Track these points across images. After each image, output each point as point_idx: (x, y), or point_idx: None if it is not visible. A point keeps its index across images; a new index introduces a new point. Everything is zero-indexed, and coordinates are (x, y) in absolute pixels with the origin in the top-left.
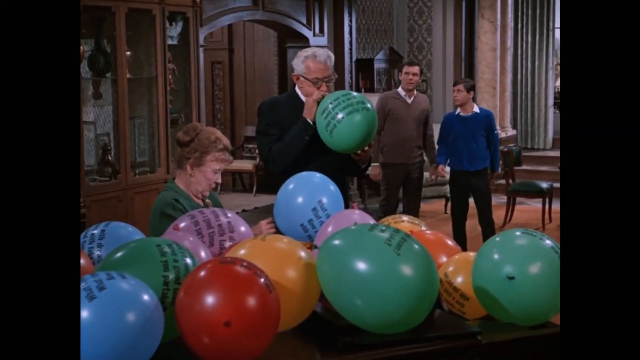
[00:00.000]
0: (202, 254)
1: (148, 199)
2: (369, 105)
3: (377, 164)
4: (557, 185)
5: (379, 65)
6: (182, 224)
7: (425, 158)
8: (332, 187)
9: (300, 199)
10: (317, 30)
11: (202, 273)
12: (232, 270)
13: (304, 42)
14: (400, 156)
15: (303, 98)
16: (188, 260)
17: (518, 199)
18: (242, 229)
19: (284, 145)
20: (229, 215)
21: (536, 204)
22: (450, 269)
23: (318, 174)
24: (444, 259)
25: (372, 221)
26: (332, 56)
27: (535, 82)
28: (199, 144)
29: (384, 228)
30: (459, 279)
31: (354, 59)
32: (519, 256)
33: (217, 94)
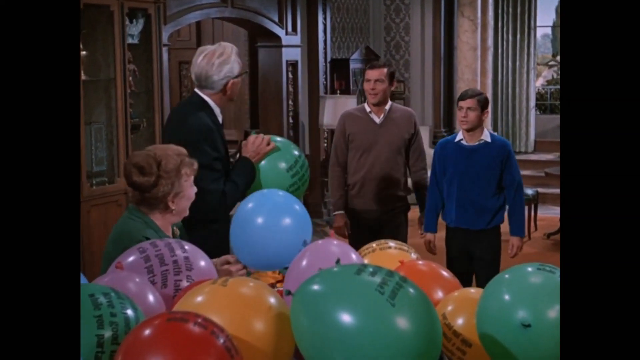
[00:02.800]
0: (151, 299)
1: (106, 212)
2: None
3: (341, 211)
4: (542, 190)
5: (354, 65)
6: (129, 260)
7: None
8: (297, 206)
9: (260, 220)
10: (289, 29)
11: (146, 333)
12: (183, 330)
13: (275, 41)
14: (367, 201)
15: (216, 109)
16: (130, 313)
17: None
18: (202, 264)
19: (237, 189)
20: (187, 248)
21: None
22: (449, 308)
23: (280, 192)
24: (440, 294)
25: (353, 255)
26: None
27: (517, 82)
28: (168, 174)
29: (373, 270)
30: (460, 321)
31: (328, 59)
32: (535, 298)
33: (185, 95)
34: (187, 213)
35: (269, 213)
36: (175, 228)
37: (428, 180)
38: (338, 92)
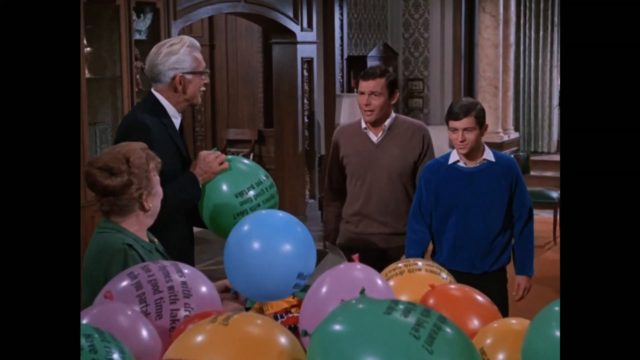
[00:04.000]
0: (145, 334)
1: None
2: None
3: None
4: None
5: (372, 62)
6: (119, 287)
7: None
8: (300, 228)
9: (256, 245)
10: (304, 25)
11: None
12: None
13: (290, 37)
14: (362, 238)
15: (168, 107)
16: (115, 358)
17: None
18: (203, 290)
19: (178, 201)
20: (185, 271)
21: (545, 215)
22: (489, 341)
23: (280, 213)
24: (476, 323)
25: (379, 281)
26: None
27: (539, 81)
28: (139, 170)
29: (406, 308)
30: (501, 357)
31: (345, 56)
32: None
33: None
34: (157, 213)
35: (266, 237)
36: (151, 236)
37: None
38: (355, 90)
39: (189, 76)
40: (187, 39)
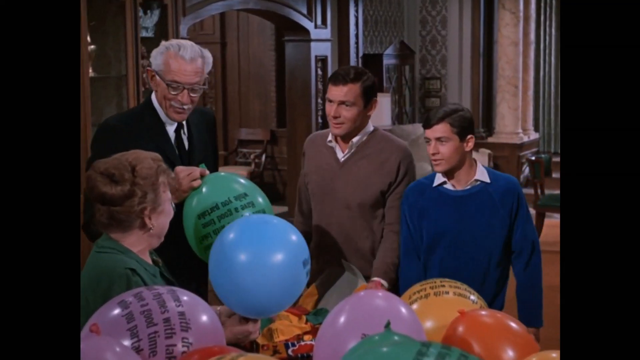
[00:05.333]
0: None
1: None
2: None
3: None
4: None
5: (388, 61)
6: (109, 317)
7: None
8: (294, 236)
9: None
10: (319, 22)
11: None
12: None
13: (304, 34)
14: (322, 269)
15: (160, 111)
16: None
17: (547, 212)
18: (203, 320)
19: None
20: (183, 299)
21: None
22: None
23: (275, 219)
24: (511, 354)
25: (404, 309)
26: (208, 57)
27: (560, 80)
28: (144, 181)
29: (440, 353)
30: None
31: (360, 54)
32: None
33: (208, 92)
34: (164, 234)
35: (254, 246)
36: (154, 256)
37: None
38: None
39: (157, 77)
40: (179, 44)
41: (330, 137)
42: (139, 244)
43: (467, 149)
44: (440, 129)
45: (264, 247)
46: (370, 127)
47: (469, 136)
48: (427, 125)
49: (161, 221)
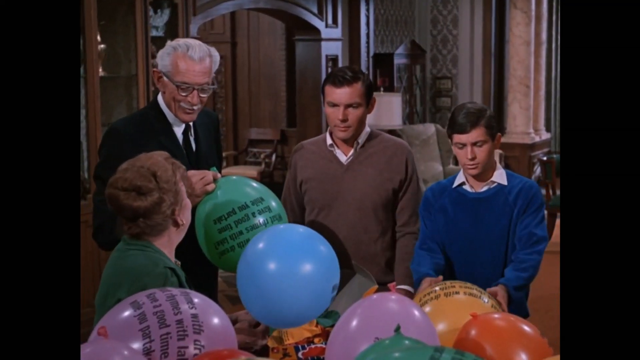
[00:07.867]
0: None
1: None
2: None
3: None
4: None
5: (399, 60)
6: (119, 319)
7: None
8: (323, 247)
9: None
10: (329, 21)
11: None
12: None
13: (314, 34)
14: None
15: (167, 113)
16: None
17: (559, 213)
18: (215, 322)
19: (95, 225)
20: (196, 301)
21: None
22: None
23: (301, 228)
24: (524, 358)
25: (417, 312)
26: (216, 56)
27: (560, 80)
28: (169, 184)
29: (451, 356)
30: None
31: (371, 53)
32: None
33: (218, 92)
34: (187, 227)
35: (284, 256)
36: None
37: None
38: (381, 89)
39: (165, 78)
40: (186, 43)
41: (329, 142)
42: (169, 245)
43: (497, 147)
44: (478, 134)
45: (295, 258)
46: (367, 127)
47: (497, 135)
48: (463, 131)
49: (187, 215)
